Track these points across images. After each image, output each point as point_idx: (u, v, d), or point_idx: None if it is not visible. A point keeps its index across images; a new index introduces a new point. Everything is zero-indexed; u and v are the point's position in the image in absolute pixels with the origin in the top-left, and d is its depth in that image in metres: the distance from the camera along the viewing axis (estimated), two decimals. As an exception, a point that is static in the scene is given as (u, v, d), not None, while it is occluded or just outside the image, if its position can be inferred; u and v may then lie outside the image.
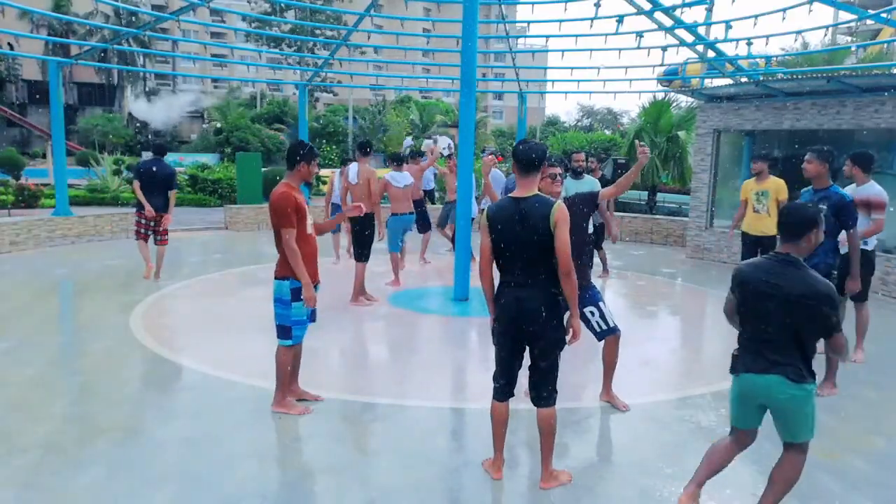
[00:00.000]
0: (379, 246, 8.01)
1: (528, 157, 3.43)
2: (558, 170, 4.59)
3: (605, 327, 4.61)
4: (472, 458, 3.91)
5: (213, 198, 19.03)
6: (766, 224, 7.05)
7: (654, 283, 9.71)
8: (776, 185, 7.20)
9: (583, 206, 4.70)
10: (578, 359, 5.50)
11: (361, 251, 7.55)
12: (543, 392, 3.53)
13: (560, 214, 3.34)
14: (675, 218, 14.64)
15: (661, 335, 7.28)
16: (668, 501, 3.52)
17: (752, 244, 7.02)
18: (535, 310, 3.39)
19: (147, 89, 45.93)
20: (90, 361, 5.65)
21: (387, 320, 7.31)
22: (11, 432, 4.12)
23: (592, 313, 4.62)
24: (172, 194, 8.57)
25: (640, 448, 4.20)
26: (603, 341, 4.69)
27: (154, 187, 8.44)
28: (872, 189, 5.61)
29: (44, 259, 10.13)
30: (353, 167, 7.62)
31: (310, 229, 4.47)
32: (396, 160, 8.86)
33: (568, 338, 3.48)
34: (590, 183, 7.36)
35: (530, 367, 3.55)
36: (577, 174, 7.52)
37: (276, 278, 4.36)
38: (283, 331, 4.40)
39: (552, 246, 3.32)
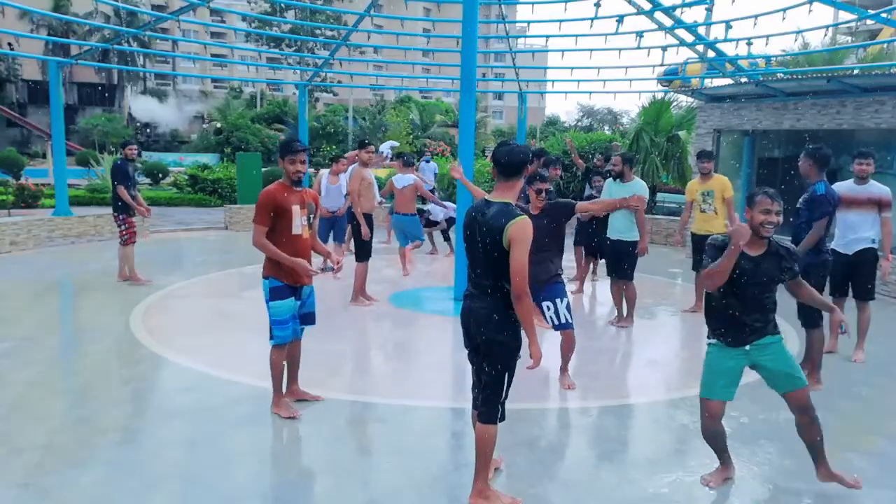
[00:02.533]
0: (379, 247, 8.00)
1: (508, 160, 3.12)
2: (547, 186, 4.67)
3: (558, 322, 5.02)
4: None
5: (213, 198, 19.02)
6: (713, 224, 7.15)
7: (654, 283, 9.70)
8: (721, 184, 7.24)
9: (555, 220, 4.84)
10: (577, 359, 5.50)
11: (360, 251, 7.56)
12: (483, 406, 3.27)
13: (515, 232, 2.99)
14: (675, 218, 14.64)
15: (662, 335, 7.28)
16: (667, 500, 3.52)
17: (700, 244, 6.73)
18: (482, 319, 3.14)
19: (146, 89, 45.92)
20: (90, 361, 5.65)
21: (387, 320, 7.31)
22: (11, 432, 4.12)
23: (548, 308, 4.93)
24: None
25: (640, 448, 4.20)
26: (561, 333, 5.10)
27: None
28: (882, 188, 5.68)
29: (44, 259, 10.13)
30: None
31: (297, 230, 4.32)
32: (406, 163, 9.14)
33: (528, 365, 3.13)
34: (637, 186, 6.90)
35: (475, 376, 3.34)
36: (618, 177, 7.07)
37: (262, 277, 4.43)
38: (270, 330, 4.41)
39: (504, 261, 3.03)
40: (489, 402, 3.24)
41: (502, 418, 3.29)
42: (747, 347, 3.43)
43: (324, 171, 9.62)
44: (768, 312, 3.44)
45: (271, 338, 4.37)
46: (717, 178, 7.32)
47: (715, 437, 3.61)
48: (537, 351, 3.11)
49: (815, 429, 3.51)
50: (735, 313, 3.39)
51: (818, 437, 3.53)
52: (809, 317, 5.23)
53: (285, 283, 4.33)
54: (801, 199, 5.35)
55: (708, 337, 3.57)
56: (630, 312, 7.13)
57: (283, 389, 4.56)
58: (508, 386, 3.27)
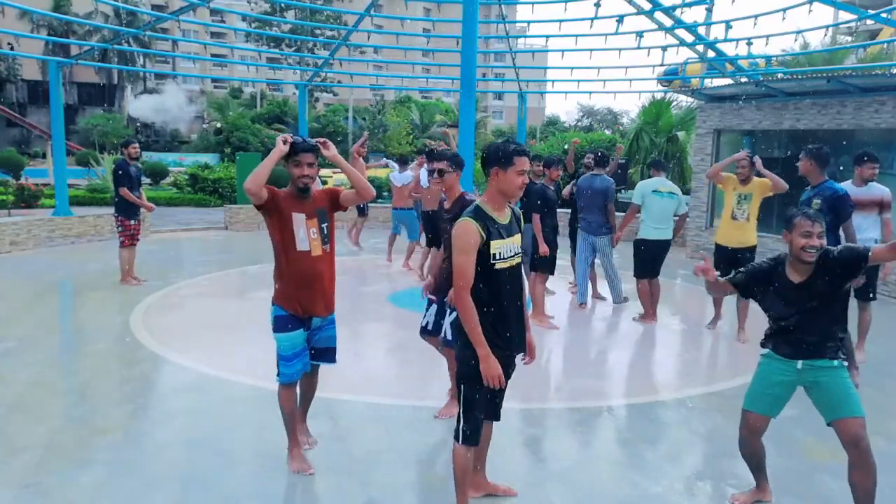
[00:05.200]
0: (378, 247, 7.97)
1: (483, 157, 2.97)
2: (440, 166, 3.98)
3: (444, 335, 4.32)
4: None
5: (214, 198, 19.02)
6: (747, 234, 6.43)
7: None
8: (762, 186, 6.32)
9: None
10: (581, 358, 5.50)
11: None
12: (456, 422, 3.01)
13: (454, 233, 2.84)
14: (674, 218, 14.64)
15: (662, 335, 7.28)
16: (666, 500, 3.51)
17: (733, 259, 6.14)
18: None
19: (146, 88, 45.93)
20: (90, 361, 5.65)
21: (387, 320, 7.30)
22: (11, 432, 4.12)
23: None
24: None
25: (640, 447, 4.20)
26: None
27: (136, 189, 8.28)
28: (883, 189, 5.68)
29: (44, 259, 10.13)
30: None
31: (303, 245, 3.53)
32: (402, 161, 10.06)
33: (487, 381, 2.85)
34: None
35: None
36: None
37: None
38: (276, 364, 3.71)
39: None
40: (458, 418, 2.99)
41: (464, 440, 2.96)
42: (799, 365, 3.14)
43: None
44: (829, 331, 3.11)
45: (277, 375, 3.68)
46: (758, 181, 6.33)
47: (752, 454, 3.37)
48: (486, 367, 2.82)
49: (867, 471, 3.03)
50: (789, 327, 3.14)
51: (869, 482, 3.03)
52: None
53: (290, 313, 3.58)
54: (814, 200, 5.17)
55: (762, 345, 3.31)
56: (655, 309, 7.23)
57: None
58: (468, 405, 2.95)
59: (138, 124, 42.52)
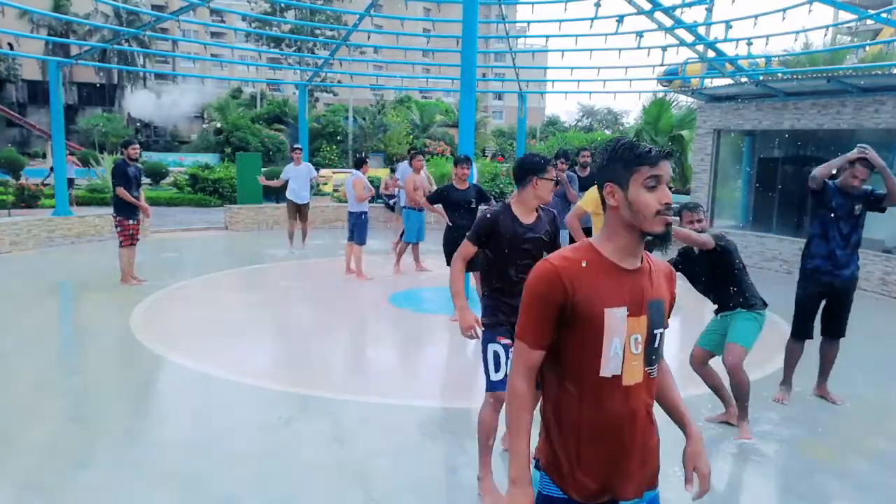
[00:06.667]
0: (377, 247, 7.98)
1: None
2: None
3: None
4: (471, 458, 3.90)
5: (214, 198, 19.03)
6: None
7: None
8: None
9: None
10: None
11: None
12: None
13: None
14: (675, 218, 14.63)
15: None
16: (667, 501, 3.51)
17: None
18: None
19: (146, 88, 45.92)
20: (90, 361, 5.65)
21: (387, 320, 7.30)
22: (11, 432, 4.12)
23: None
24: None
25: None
26: None
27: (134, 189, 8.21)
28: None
29: (44, 259, 10.13)
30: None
31: (615, 366, 1.73)
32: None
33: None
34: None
35: None
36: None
37: None
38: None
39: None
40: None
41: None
42: (719, 317, 4.50)
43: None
44: (727, 292, 4.39)
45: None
46: None
47: (710, 384, 4.52)
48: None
49: (737, 382, 4.29)
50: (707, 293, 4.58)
51: (742, 393, 4.30)
52: (829, 327, 4.97)
53: (569, 497, 1.79)
54: (856, 206, 4.78)
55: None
56: None
57: None
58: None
59: (138, 124, 42.49)
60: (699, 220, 4.34)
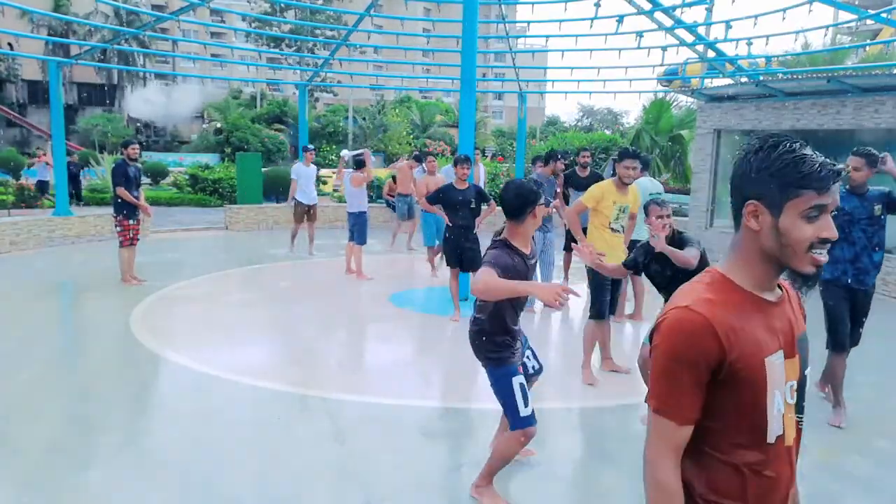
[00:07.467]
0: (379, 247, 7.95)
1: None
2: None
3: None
4: (472, 458, 3.90)
5: (214, 198, 19.03)
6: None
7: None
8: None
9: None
10: (576, 361, 5.50)
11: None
12: None
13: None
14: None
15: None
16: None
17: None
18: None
19: (146, 88, 45.92)
20: (90, 361, 5.65)
21: (387, 320, 7.30)
22: (11, 432, 4.12)
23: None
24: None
25: (639, 447, 4.20)
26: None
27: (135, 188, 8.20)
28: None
29: (44, 259, 10.13)
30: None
31: (778, 426, 1.39)
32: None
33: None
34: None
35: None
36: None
37: None
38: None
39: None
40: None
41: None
42: None
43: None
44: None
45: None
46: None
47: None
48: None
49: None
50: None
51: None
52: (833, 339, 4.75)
53: None
54: (876, 206, 4.63)
55: None
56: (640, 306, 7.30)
57: None
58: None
59: (138, 124, 42.50)
60: (668, 216, 4.27)
